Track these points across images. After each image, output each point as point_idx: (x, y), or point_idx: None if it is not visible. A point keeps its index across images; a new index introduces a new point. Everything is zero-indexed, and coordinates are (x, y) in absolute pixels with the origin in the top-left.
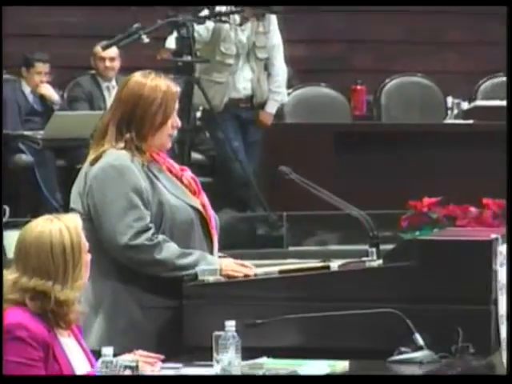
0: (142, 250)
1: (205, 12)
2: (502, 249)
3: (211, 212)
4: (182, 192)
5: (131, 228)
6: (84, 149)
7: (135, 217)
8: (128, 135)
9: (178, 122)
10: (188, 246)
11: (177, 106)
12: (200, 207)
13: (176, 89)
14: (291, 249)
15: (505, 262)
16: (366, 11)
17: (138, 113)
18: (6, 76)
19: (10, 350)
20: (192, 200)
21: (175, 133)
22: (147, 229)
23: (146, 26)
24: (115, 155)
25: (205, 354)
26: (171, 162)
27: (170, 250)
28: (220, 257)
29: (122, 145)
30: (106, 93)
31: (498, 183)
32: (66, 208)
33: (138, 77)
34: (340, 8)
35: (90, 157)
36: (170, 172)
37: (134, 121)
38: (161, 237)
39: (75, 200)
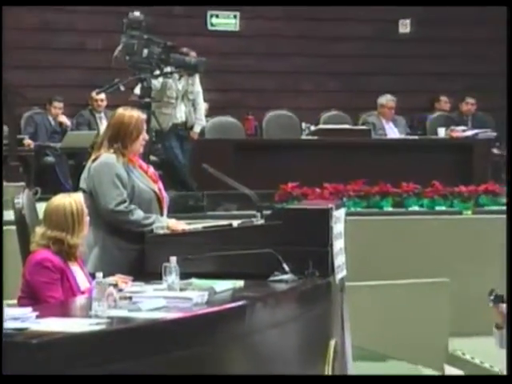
0: (121, 213)
1: (157, 72)
2: (335, 213)
3: (164, 194)
4: (147, 181)
5: (115, 200)
6: (85, 154)
7: (117, 193)
8: (116, 145)
9: (146, 137)
10: (148, 213)
11: (145, 126)
12: (157, 191)
13: (143, 116)
14: (209, 213)
15: (337, 221)
16: (253, 71)
17: (122, 132)
18: (38, 109)
19: (41, 274)
20: (153, 186)
21: (144, 143)
22: (124, 201)
23: (123, 79)
24: (107, 157)
25: (157, 277)
26: (141, 162)
27: (138, 214)
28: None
29: (112, 151)
30: (98, 120)
31: (331, 174)
32: (74, 189)
33: (120, 110)
34: (241, 69)
35: (92, 157)
36: (141, 168)
37: (120, 137)
38: (133, 206)
39: (82, 183)
